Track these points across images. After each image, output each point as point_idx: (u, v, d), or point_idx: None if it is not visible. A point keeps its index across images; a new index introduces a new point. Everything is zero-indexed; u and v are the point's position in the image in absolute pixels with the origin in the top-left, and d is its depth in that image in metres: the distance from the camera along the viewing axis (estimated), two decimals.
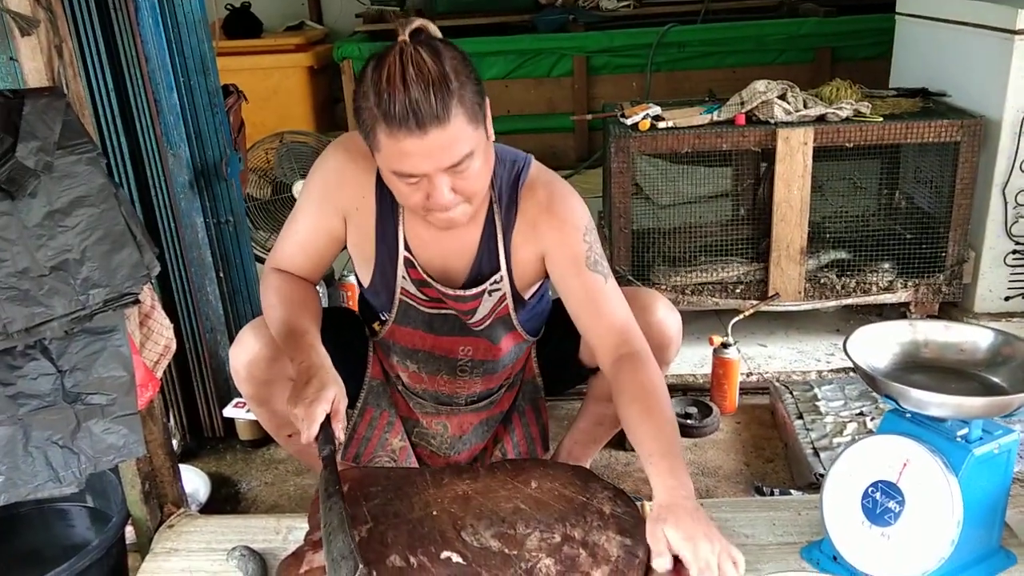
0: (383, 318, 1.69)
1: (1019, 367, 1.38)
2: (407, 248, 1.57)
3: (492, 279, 1.58)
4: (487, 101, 1.37)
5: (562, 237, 1.52)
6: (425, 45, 1.29)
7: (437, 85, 1.26)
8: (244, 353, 1.61)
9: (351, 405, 1.73)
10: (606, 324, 1.51)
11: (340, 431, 1.40)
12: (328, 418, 1.38)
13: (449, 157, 1.31)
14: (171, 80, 2.05)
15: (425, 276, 1.59)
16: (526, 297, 1.65)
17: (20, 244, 1.17)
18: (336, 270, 3.11)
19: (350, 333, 1.79)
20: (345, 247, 1.64)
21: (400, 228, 1.56)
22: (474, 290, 1.59)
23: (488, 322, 1.65)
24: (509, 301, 1.62)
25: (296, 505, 2.12)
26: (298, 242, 1.61)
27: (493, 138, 1.43)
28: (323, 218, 1.58)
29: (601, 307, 1.51)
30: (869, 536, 1.39)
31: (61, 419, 1.21)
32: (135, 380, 1.27)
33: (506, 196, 1.54)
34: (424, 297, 1.62)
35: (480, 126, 1.34)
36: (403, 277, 1.59)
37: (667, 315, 1.65)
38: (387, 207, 1.55)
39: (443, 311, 1.64)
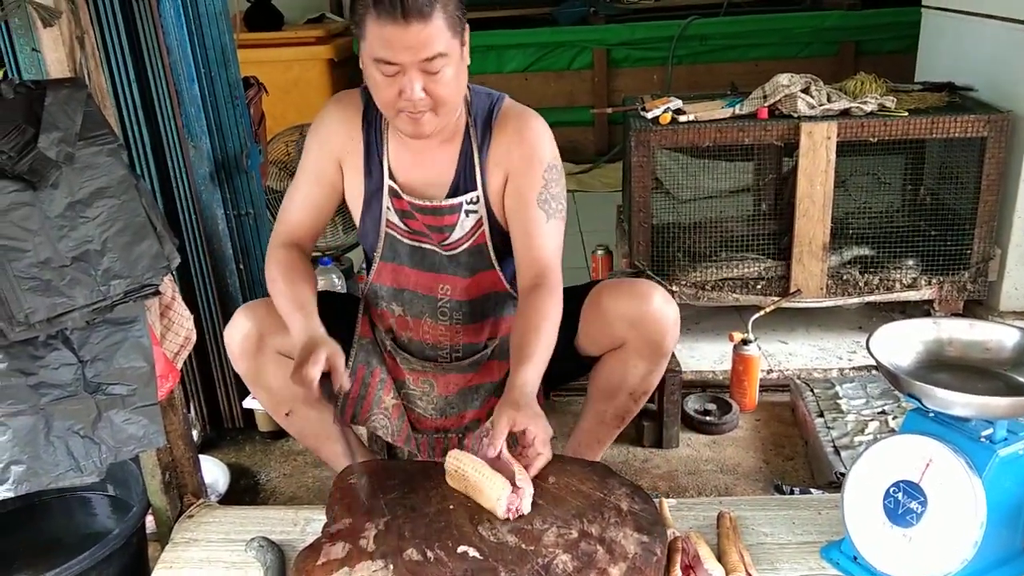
0: (373, 257, 1.78)
1: None
2: (392, 177, 1.69)
3: (468, 196, 1.68)
4: (467, 29, 1.53)
5: (526, 165, 1.65)
6: None
7: None
8: (236, 331, 1.69)
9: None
10: (533, 257, 1.64)
11: (345, 381, 1.52)
12: (327, 376, 1.50)
13: (425, 51, 1.45)
14: (192, 72, 2.06)
15: (407, 202, 1.68)
16: (508, 231, 1.72)
17: (42, 235, 1.18)
18: (355, 263, 3.12)
19: (341, 302, 1.94)
20: (343, 206, 1.78)
21: (385, 158, 1.69)
22: (452, 201, 1.67)
23: (464, 245, 1.71)
24: (486, 227, 1.70)
25: (314, 497, 2.13)
26: (299, 200, 1.74)
27: (468, 62, 1.56)
28: (321, 166, 1.72)
29: (533, 241, 1.64)
30: (890, 537, 1.37)
31: (82, 409, 1.22)
32: (155, 371, 1.28)
33: (482, 121, 1.68)
34: (406, 228, 1.72)
35: (457, 38, 1.49)
36: (387, 208, 1.70)
37: (663, 306, 1.66)
38: (373, 141, 1.69)
39: (423, 244, 1.73)
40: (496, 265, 1.75)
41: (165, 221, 1.30)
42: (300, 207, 1.74)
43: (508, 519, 1.41)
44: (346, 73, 5.30)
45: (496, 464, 1.47)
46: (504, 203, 1.69)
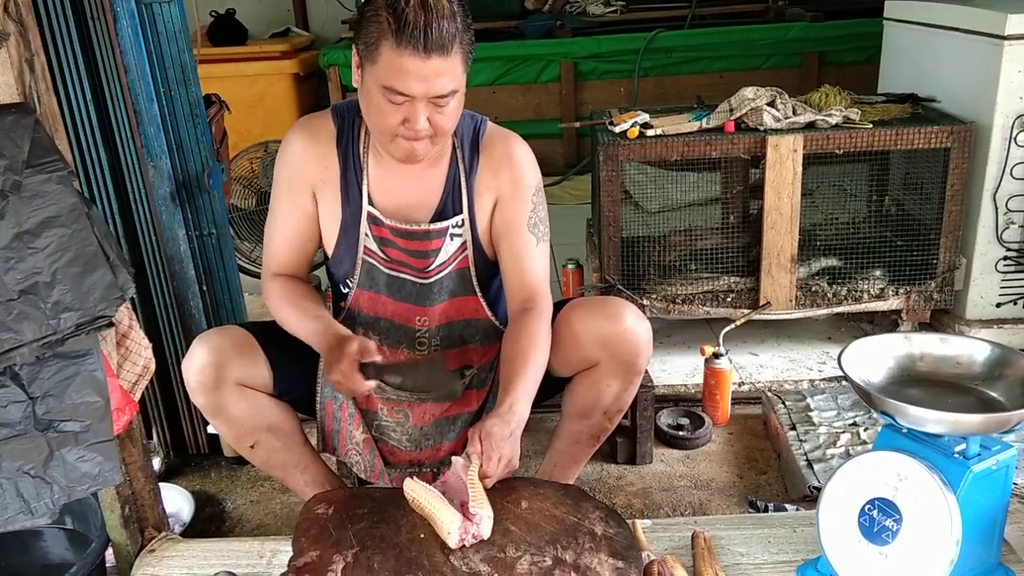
0: (348, 285, 1.73)
1: (1017, 382, 1.35)
2: (371, 203, 1.65)
3: (455, 220, 1.66)
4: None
5: (515, 189, 1.66)
6: None
7: (449, 21, 1.40)
8: (193, 364, 1.61)
9: (310, 411, 1.77)
10: (524, 281, 1.66)
11: (376, 356, 1.51)
12: (363, 367, 1.50)
13: (440, 87, 1.44)
14: (151, 91, 2.01)
15: (388, 228, 1.64)
16: (491, 257, 1.71)
17: None
18: (323, 280, 3.07)
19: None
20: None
21: (364, 185, 1.65)
22: (439, 224, 1.65)
23: (447, 269, 1.69)
24: (470, 251, 1.69)
25: (282, 524, 2.08)
26: (282, 233, 1.70)
27: (465, 90, 1.54)
28: (296, 201, 1.67)
29: (524, 265, 1.66)
30: (866, 554, 1.37)
31: (33, 448, 1.17)
32: (110, 405, 1.23)
33: (468, 144, 1.67)
34: (385, 257, 1.68)
35: (466, 73, 1.48)
36: (366, 235, 1.67)
37: (636, 324, 1.64)
38: (351, 167, 1.65)
39: (401, 274, 1.69)
40: (478, 291, 1.73)
41: (120, 249, 1.25)
42: (284, 240, 1.71)
43: (464, 547, 1.38)
44: (312, 87, 5.26)
45: (456, 486, 1.44)
46: (492, 227, 1.69)
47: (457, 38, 1.42)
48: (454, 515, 1.39)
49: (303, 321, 1.63)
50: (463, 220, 1.67)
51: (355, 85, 1.53)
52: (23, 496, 1.17)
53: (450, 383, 1.53)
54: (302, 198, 1.67)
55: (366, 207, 1.65)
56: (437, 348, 1.76)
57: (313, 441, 1.83)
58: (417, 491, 1.45)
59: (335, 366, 1.50)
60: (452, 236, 1.67)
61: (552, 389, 1.77)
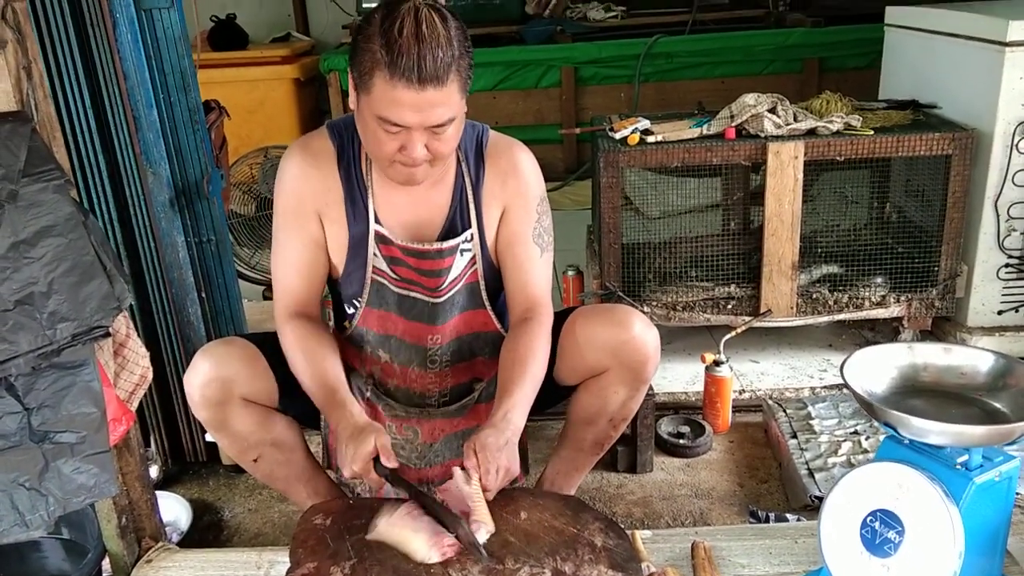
0: (356, 305, 1.69)
1: (1021, 393, 1.34)
2: (378, 222, 1.62)
3: (464, 235, 1.64)
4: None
5: (521, 200, 1.65)
6: (436, 10, 1.39)
7: (444, 49, 1.36)
8: (196, 377, 1.57)
9: (315, 424, 1.77)
10: (527, 292, 1.65)
11: (392, 462, 1.43)
12: (378, 460, 1.42)
13: (435, 117, 1.41)
14: (151, 97, 2.00)
15: (399, 247, 1.61)
16: (499, 269, 1.70)
17: None
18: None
19: None
20: None
21: (370, 203, 1.61)
22: (450, 242, 1.63)
23: (458, 286, 1.67)
24: (479, 264, 1.67)
25: (281, 533, 2.07)
26: (291, 264, 1.64)
27: (465, 110, 1.51)
28: (303, 229, 1.62)
29: (527, 276, 1.65)
30: (869, 567, 1.35)
31: (28, 459, 1.16)
32: (106, 416, 1.22)
33: (472, 156, 1.65)
34: (394, 276, 1.65)
35: (465, 96, 1.46)
36: (374, 255, 1.63)
37: (644, 331, 1.63)
38: (354, 188, 1.61)
39: (412, 293, 1.66)
40: (487, 304, 1.71)
41: (117, 259, 1.24)
42: (294, 271, 1.63)
43: (460, 559, 1.37)
44: (313, 92, 5.25)
45: (456, 496, 1.43)
46: (497, 237, 1.67)
47: (453, 66, 1.38)
48: (420, 541, 1.37)
49: (322, 392, 1.55)
50: (472, 234, 1.65)
51: (351, 108, 1.51)
52: (18, 508, 1.15)
53: (452, 523, 1.39)
54: (309, 224, 1.62)
55: (374, 226, 1.61)
56: (448, 364, 1.74)
57: (315, 452, 1.82)
58: (385, 535, 1.42)
59: (350, 461, 1.42)
60: (462, 252, 1.65)
61: (557, 397, 1.76)
